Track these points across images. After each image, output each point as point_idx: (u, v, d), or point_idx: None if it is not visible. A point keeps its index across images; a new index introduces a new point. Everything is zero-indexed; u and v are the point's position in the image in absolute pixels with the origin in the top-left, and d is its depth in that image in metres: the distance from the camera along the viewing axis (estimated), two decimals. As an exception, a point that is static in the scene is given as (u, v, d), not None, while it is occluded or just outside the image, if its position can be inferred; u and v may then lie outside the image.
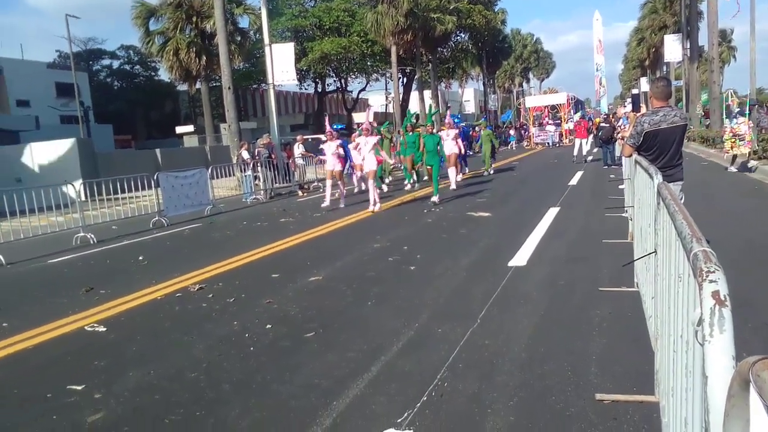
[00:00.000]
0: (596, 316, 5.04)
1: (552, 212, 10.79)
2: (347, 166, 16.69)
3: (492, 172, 20.59)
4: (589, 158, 23.96)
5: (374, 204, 12.67)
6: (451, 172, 16.36)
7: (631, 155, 5.98)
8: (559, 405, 3.52)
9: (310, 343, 4.86)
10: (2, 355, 5.14)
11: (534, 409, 3.51)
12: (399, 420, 3.45)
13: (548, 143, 41.21)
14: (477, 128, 32.93)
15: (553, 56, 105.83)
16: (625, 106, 36.52)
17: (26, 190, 12.01)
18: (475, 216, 11.18)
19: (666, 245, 2.77)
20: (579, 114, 40.58)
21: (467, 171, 20.69)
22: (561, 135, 42.13)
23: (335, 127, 15.72)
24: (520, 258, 7.37)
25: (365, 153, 12.99)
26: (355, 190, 17.24)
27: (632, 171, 6.34)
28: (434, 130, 16.24)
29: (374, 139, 13.15)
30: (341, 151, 14.49)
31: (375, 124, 19.53)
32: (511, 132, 46.20)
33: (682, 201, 5.40)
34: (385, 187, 17.17)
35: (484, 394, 3.72)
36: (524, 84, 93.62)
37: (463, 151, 18.18)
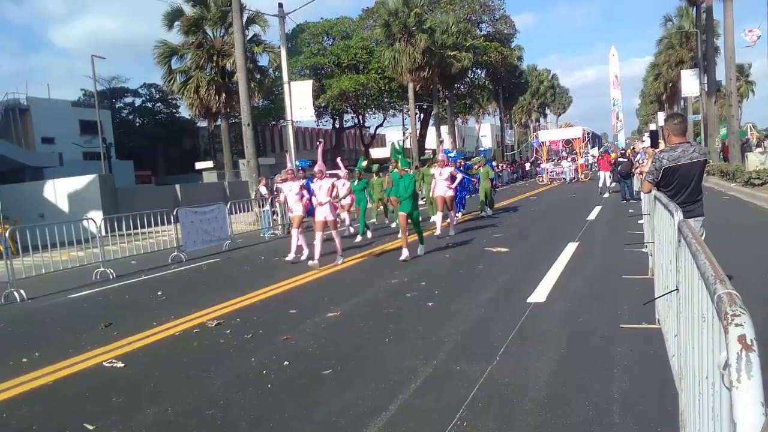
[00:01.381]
0: (617, 353, 4.96)
1: (571, 247, 10.71)
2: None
3: (491, 213, 18.37)
4: (611, 190, 24.38)
5: (340, 255, 10.98)
6: (438, 217, 14.01)
7: (650, 191, 5.95)
8: (581, 446, 3.45)
9: (328, 381, 4.82)
10: (22, 390, 5.16)
11: (556, 450, 3.45)
12: (418, 460, 3.40)
13: (563, 179, 39.56)
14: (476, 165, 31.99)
15: (570, 91, 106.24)
16: (643, 141, 36.40)
17: (49, 225, 12.19)
18: (492, 251, 11.13)
19: (688, 283, 2.73)
20: (603, 148, 40.48)
21: (459, 215, 17.47)
22: (577, 170, 40.37)
23: (298, 164, 13.06)
24: (540, 294, 7.31)
25: (321, 199, 10.86)
26: (350, 231, 15.89)
27: (651, 207, 6.30)
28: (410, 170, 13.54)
29: (329, 182, 10.95)
30: (305, 192, 12.30)
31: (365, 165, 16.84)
32: (542, 165, 43.58)
33: (703, 237, 5.35)
34: (369, 233, 14.89)
35: (504, 434, 3.66)
36: (541, 119, 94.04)
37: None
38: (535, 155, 48.42)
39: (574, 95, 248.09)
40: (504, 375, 4.63)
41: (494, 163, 48.30)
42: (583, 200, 22.30)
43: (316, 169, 11.16)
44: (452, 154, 21.97)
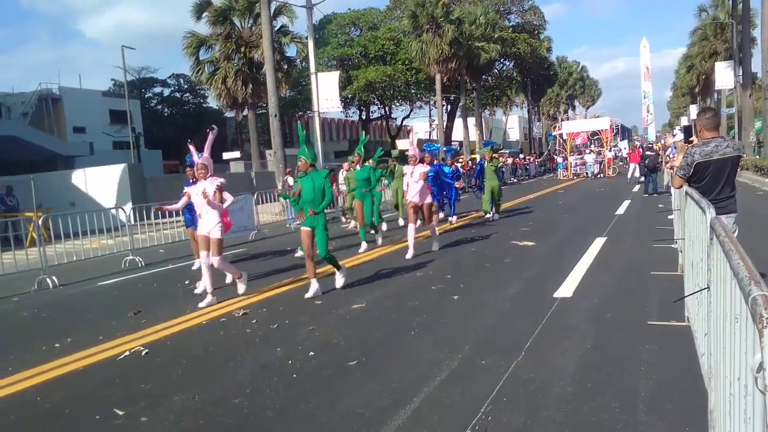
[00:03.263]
0: (645, 351, 4.90)
1: (598, 242, 10.60)
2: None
3: (497, 217, 15.32)
4: (638, 181, 25.13)
5: (210, 292, 7.75)
6: (409, 232, 10.47)
7: (681, 186, 5.86)
8: (607, 444, 3.42)
9: (353, 372, 4.85)
10: (54, 375, 5.27)
11: (581, 447, 3.42)
12: (442, 454, 3.40)
13: (588, 174, 36.75)
14: (477, 158, 27.36)
15: (599, 83, 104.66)
16: (674, 135, 35.78)
17: (80, 213, 12.41)
18: (519, 245, 11.06)
19: (720, 282, 2.69)
20: (634, 142, 39.44)
21: (454, 219, 15.29)
22: (602, 165, 37.45)
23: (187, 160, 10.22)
24: (566, 289, 7.25)
25: (201, 208, 7.78)
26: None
27: (682, 202, 6.20)
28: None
29: (214, 183, 7.75)
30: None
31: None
32: (559, 160, 41.23)
33: (736, 234, 5.26)
34: (380, 240, 12.29)
35: (529, 429, 3.65)
36: (570, 111, 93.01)
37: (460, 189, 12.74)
38: (557, 147, 44.70)
39: (604, 87, 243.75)
40: (529, 370, 4.61)
41: (522, 156, 47.68)
42: (611, 194, 22.04)
43: (199, 162, 7.87)
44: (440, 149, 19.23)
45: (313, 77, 22.98)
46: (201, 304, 7.56)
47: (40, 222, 11.03)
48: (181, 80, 56.47)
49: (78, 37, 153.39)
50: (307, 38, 25.16)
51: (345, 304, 7.22)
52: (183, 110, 56.59)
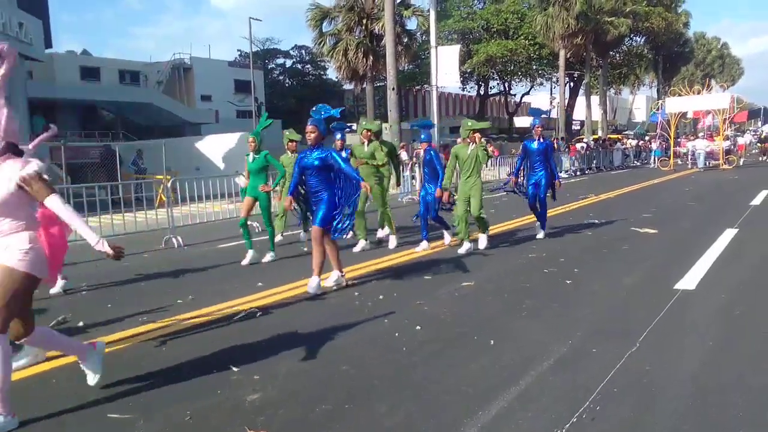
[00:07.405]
0: (778, 353, 4.54)
1: (729, 233, 9.87)
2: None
3: (471, 247, 9.07)
4: None
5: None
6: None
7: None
8: (728, 447, 3.21)
9: (460, 349, 4.82)
10: (176, 329, 5.63)
11: (698, 448, 3.23)
12: (547, 439, 3.32)
13: (701, 166, 28.27)
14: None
15: (742, 62, 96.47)
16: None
17: (204, 178, 13.15)
18: (639, 232, 10.53)
19: None
20: None
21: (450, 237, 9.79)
22: (728, 152, 29.93)
23: None
24: (689, 281, 6.82)
25: None
26: None
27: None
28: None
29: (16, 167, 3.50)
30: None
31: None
32: (653, 146, 34.86)
33: None
34: (269, 256, 8.96)
35: (641, 422, 3.49)
36: (704, 92, 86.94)
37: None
38: (659, 131, 35.01)
39: (748, 65, 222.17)
40: (644, 362, 4.39)
41: (647, 138, 44.96)
42: (747, 183, 20.43)
43: None
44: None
45: (432, 51, 22.77)
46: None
47: (168, 185, 11.76)
48: (303, 52, 58.01)
49: (206, 8, 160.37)
50: (428, 11, 24.96)
51: (454, 281, 7.18)
52: (303, 81, 58.20)
